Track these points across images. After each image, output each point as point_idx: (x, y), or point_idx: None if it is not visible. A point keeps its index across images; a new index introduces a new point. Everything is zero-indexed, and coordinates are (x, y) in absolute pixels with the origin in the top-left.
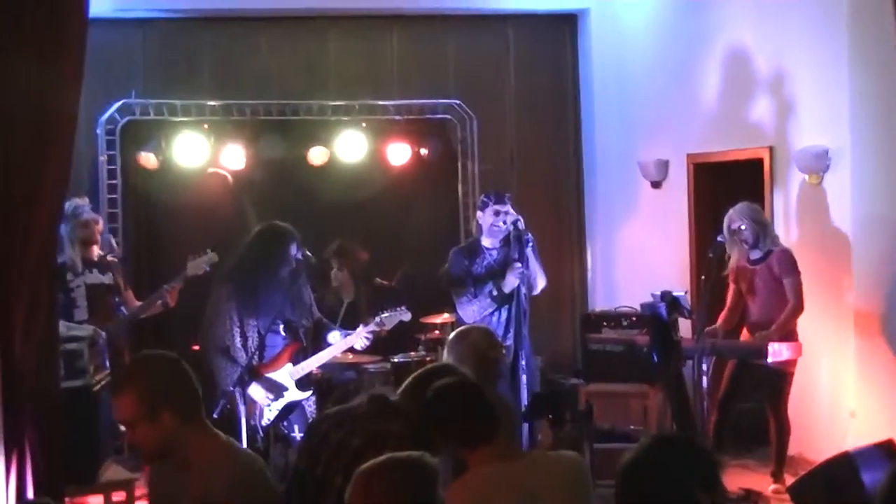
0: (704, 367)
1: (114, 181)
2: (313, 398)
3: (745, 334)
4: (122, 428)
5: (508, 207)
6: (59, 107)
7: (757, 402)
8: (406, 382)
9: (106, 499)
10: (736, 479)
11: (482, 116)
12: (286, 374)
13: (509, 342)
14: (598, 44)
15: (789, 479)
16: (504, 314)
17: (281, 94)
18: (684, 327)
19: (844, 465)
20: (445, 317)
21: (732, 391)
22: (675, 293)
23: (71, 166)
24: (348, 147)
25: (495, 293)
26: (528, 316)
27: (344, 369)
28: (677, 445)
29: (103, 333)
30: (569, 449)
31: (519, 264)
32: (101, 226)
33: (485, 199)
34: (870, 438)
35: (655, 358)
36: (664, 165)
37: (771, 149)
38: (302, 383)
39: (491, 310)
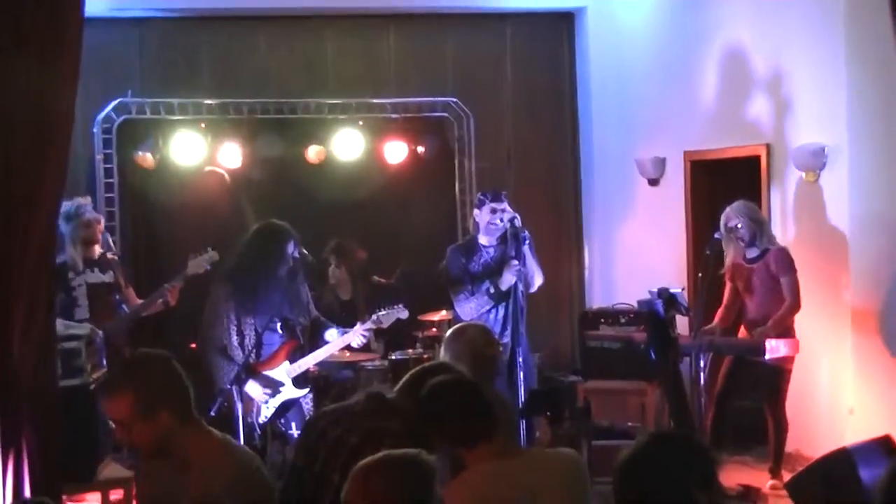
0: (702, 363)
1: (111, 180)
2: (310, 396)
3: (742, 332)
4: (112, 426)
5: (505, 205)
6: (58, 106)
7: (754, 399)
8: (403, 380)
9: (104, 497)
10: (734, 476)
11: (479, 114)
12: (283, 371)
13: (506, 339)
14: (596, 42)
15: (787, 476)
16: (501, 311)
17: (278, 92)
18: (681, 324)
19: (842, 462)
20: (443, 314)
21: (730, 388)
22: (672, 290)
23: (68, 166)
24: (345, 145)
25: (492, 291)
26: (526, 313)
27: (341, 367)
28: (674, 443)
29: (100, 332)
30: (567, 446)
31: (516, 262)
32: (102, 225)
33: (481, 197)
34: (868, 435)
35: (653, 355)
36: (661, 163)
37: (768, 146)
38: (299, 381)
39: (488, 307)
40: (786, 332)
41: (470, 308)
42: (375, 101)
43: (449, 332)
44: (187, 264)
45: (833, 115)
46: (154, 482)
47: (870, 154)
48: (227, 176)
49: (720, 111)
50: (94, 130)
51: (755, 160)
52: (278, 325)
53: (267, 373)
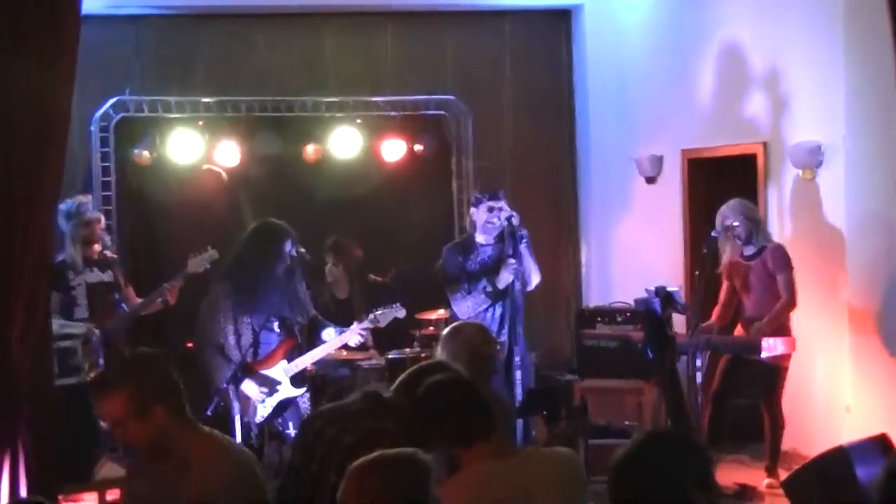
0: (699, 362)
1: (108, 178)
2: (307, 395)
3: (739, 330)
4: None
5: (502, 203)
6: (57, 106)
7: (751, 398)
8: (399, 379)
9: (100, 497)
10: (730, 474)
11: (477, 112)
12: (281, 370)
13: (503, 338)
14: (594, 39)
15: (783, 474)
16: (498, 310)
17: (276, 90)
18: (678, 323)
19: (838, 460)
20: (440, 313)
21: (726, 386)
22: (669, 288)
23: (64, 165)
24: (343, 143)
25: (489, 289)
26: (523, 312)
27: (338, 366)
28: (670, 441)
29: (97, 331)
30: (564, 445)
31: (513, 260)
32: (102, 224)
33: (479, 196)
34: (864, 433)
35: (650, 353)
36: (659, 161)
37: (765, 144)
38: (296, 380)
39: (485, 306)
40: (782, 330)
41: (467, 307)
42: (373, 99)
43: (446, 330)
44: (187, 263)
45: (830, 113)
46: (153, 483)
47: (867, 152)
48: (224, 174)
49: (717, 109)
50: (92, 129)
51: (752, 158)
52: (276, 324)
53: (264, 372)
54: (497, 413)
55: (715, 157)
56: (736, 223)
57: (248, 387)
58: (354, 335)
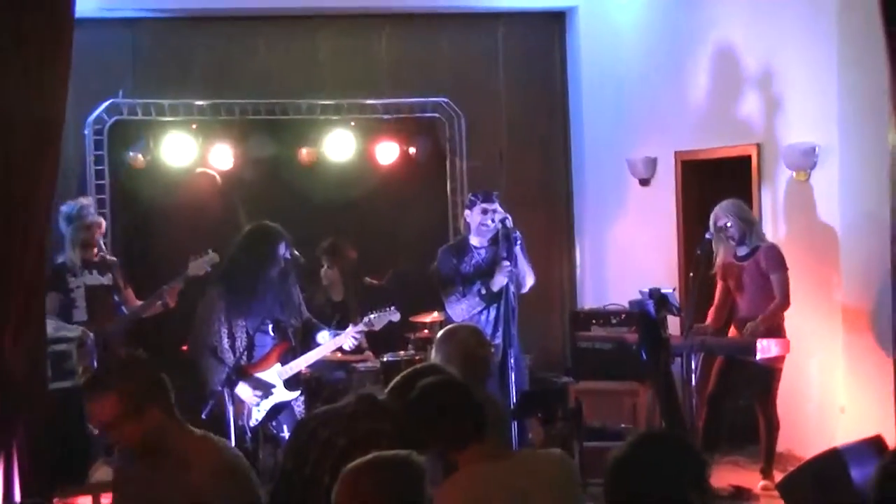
0: (693, 364)
1: (102, 181)
2: (302, 398)
3: (732, 331)
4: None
5: (496, 206)
6: (55, 106)
7: (746, 399)
8: (393, 382)
9: (95, 500)
10: (725, 476)
11: (471, 114)
12: (275, 373)
13: (498, 341)
14: (587, 41)
15: (779, 476)
16: (493, 312)
17: (269, 93)
18: (673, 324)
19: (833, 461)
20: (435, 316)
21: (721, 388)
22: (663, 290)
23: (59, 166)
24: (337, 146)
25: (484, 292)
26: (517, 314)
27: (333, 369)
28: (664, 443)
29: (91, 334)
30: (559, 447)
31: (507, 263)
32: (103, 228)
33: (473, 198)
34: (859, 434)
35: (644, 355)
36: (652, 163)
37: (759, 146)
38: (291, 383)
39: (479, 308)
40: (776, 331)
41: (461, 309)
42: (367, 101)
43: (440, 333)
44: (188, 266)
45: (824, 114)
46: (150, 483)
47: (860, 153)
48: (218, 177)
49: (711, 111)
50: (86, 132)
51: (746, 160)
52: (270, 326)
53: (258, 375)
54: (491, 415)
55: (709, 159)
56: (729, 223)
57: (243, 390)
58: (349, 338)
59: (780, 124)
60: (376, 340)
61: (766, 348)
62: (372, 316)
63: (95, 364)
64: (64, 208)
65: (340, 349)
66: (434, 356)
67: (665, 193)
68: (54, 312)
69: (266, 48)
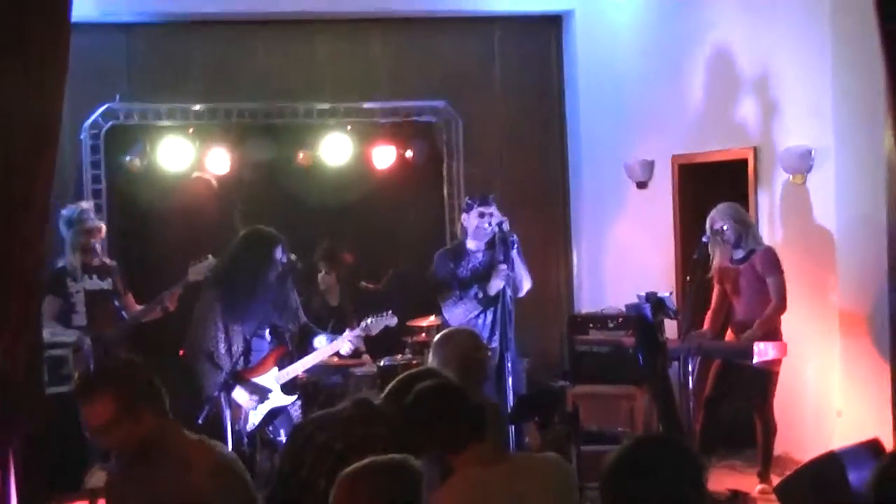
0: (690, 367)
1: (98, 186)
2: (299, 403)
3: (729, 334)
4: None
5: (493, 209)
6: (53, 106)
7: (743, 403)
8: (389, 386)
9: None
10: (723, 480)
11: (468, 118)
12: (272, 378)
13: (495, 344)
14: (584, 45)
15: (776, 480)
16: (489, 316)
17: (266, 97)
18: (670, 328)
19: (830, 465)
20: (432, 320)
21: (718, 391)
22: (660, 294)
23: (56, 167)
24: (334, 150)
25: (481, 295)
26: (514, 318)
27: (330, 373)
28: (661, 446)
29: (88, 339)
30: (556, 451)
31: (504, 266)
32: (103, 233)
33: (469, 202)
34: (856, 438)
35: (641, 359)
36: (649, 166)
37: (755, 149)
38: (287, 388)
39: (476, 312)
40: (773, 334)
41: (458, 313)
42: (364, 105)
43: (437, 336)
44: (188, 271)
45: (820, 117)
46: (148, 484)
47: (856, 156)
48: (214, 181)
49: (708, 114)
50: (82, 136)
51: (743, 163)
52: (267, 331)
53: (255, 379)
54: (488, 419)
55: (706, 163)
56: (725, 227)
57: (239, 394)
58: (345, 343)
59: (776, 128)
60: (373, 344)
61: (762, 352)
62: (369, 321)
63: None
64: (64, 212)
65: (337, 354)
66: (431, 360)
67: (662, 197)
68: (54, 317)
69: (263, 52)
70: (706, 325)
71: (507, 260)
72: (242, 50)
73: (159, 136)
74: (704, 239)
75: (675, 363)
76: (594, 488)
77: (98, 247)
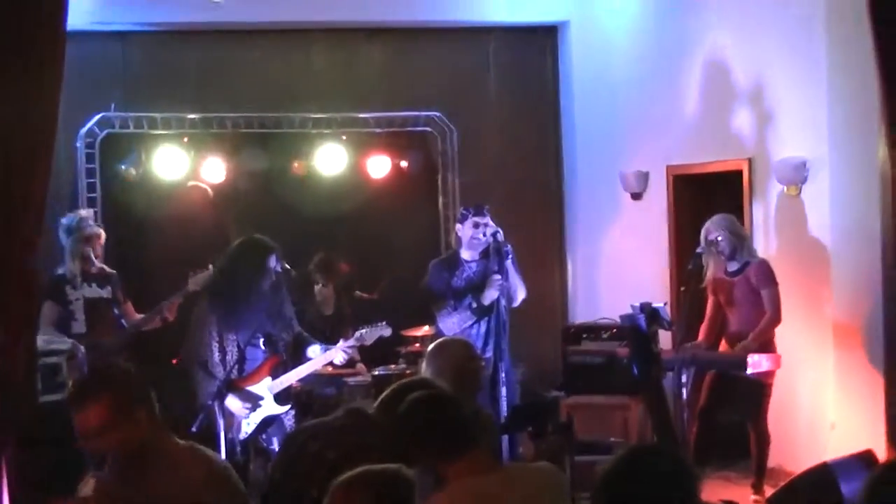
0: (684, 378)
1: (93, 194)
2: (292, 412)
3: (724, 345)
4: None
5: (488, 219)
6: (50, 109)
7: (737, 414)
8: (382, 396)
9: None
10: (717, 492)
11: (463, 129)
12: (265, 387)
13: (489, 354)
14: (579, 56)
15: (769, 491)
16: (484, 326)
17: (261, 107)
18: (664, 339)
19: (823, 476)
20: (426, 329)
21: (712, 402)
22: (654, 305)
23: (52, 169)
24: (329, 160)
25: (475, 306)
26: (508, 328)
27: (324, 383)
28: (655, 456)
29: (82, 347)
30: (549, 461)
31: (498, 276)
32: (102, 240)
33: (464, 212)
34: (849, 450)
35: (635, 370)
36: (644, 177)
37: (750, 160)
38: (281, 397)
39: (471, 322)
40: (767, 346)
41: (452, 323)
42: (358, 115)
43: (431, 346)
44: (188, 281)
45: (814, 128)
46: (145, 485)
47: (851, 168)
48: (209, 190)
49: (702, 126)
50: (77, 145)
51: (737, 174)
52: (261, 340)
53: (248, 388)
54: (481, 429)
55: (700, 174)
56: (720, 238)
57: (232, 403)
58: (339, 353)
59: (770, 139)
60: (368, 354)
61: (757, 363)
62: (363, 331)
63: None
64: (64, 220)
65: (331, 363)
66: (425, 370)
67: (657, 207)
68: (53, 323)
69: (258, 62)
70: (701, 336)
71: (502, 270)
72: (238, 60)
73: (154, 145)
74: (699, 250)
75: (670, 374)
76: (588, 499)
77: (97, 252)
